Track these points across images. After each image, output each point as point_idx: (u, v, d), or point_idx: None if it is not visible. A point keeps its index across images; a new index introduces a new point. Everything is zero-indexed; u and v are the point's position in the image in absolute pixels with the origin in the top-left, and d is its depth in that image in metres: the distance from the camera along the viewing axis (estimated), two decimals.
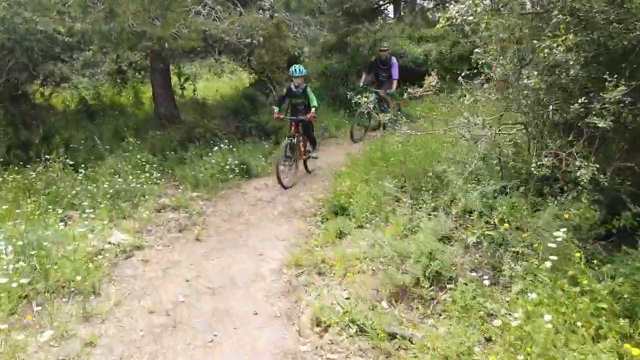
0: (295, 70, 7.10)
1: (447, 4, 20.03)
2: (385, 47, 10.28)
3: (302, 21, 10.51)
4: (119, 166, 7.05)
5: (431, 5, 20.19)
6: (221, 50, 8.86)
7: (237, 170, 7.26)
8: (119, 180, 6.39)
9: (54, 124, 8.49)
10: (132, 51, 8.82)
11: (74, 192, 5.89)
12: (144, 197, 6.23)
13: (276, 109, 7.29)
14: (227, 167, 7.19)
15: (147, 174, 7.18)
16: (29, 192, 5.84)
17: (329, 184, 6.73)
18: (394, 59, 10.09)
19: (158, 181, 7.07)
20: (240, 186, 6.93)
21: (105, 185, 6.18)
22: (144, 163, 7.57)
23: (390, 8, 20.46)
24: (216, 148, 7.98)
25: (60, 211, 5.37)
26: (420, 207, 4.70)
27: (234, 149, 7.98)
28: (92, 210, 5.51)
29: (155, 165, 7.80)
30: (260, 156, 8.23)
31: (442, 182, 5.00)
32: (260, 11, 9.19)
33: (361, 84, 9.88)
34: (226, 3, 9.88)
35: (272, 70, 9.41)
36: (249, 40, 8.60)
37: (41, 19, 6.96)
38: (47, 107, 10.58)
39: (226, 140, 8.97)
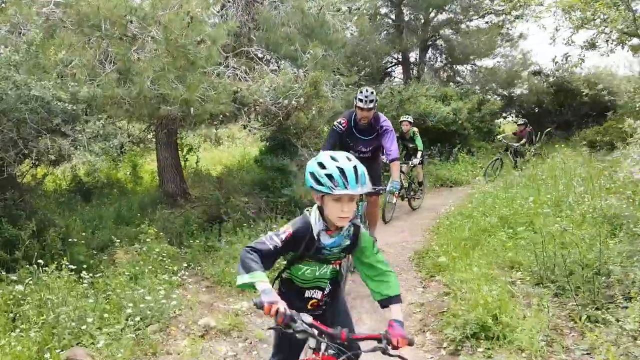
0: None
1: (455, 65, 19.50)
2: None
3: (332, 80, 9.26)
4: (136, 267, 5.32)
5: (441, 64, 19.54)
6: (253, 113, 7.42)
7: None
8: (139, 290, 4.63)
9: (45, 212, 6.78)
10: (151, 118, 7.33)
11: (79, 313, 4.10)
12: (176, 312, 4.47)
13: None
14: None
15: (171, 274, 5.46)
16: (14, 319, 4.04)
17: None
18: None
19: (189, 284, 5.33)
20: None
21: (121, 299, 4.42)
22: (163, 258, 5.86)
23: (399, 70, 19.81)
24: (261, 233, 6.29)
25: (60, 352, 3.58)
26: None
27: None
28: (108, 343, 3.72)
29: (177, 260, 6.11)
30: None
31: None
32: (294, 69, 7.87)
33: None
34: (250, 63, 8.63)
35: (309, 135, 7.97)
36: (286, 101, 7.22)
37: (37, 83, 5.47)
38: (35, 190, 8.93)
39: (261, 222, 7.34)
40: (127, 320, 4.02)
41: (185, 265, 6.12)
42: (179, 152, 11.15)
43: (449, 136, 13.17)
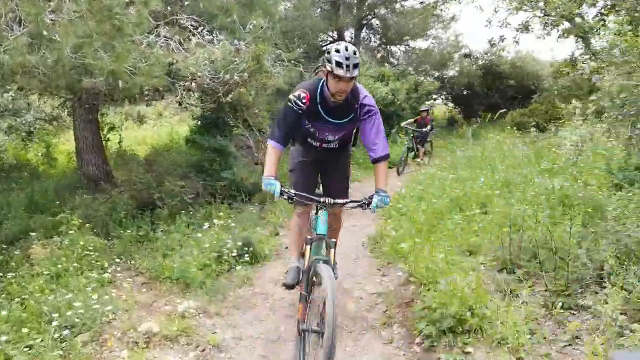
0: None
1: (389, 45, 19.51)
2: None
3: (274, 55, 8.69)
4: (57, 264, 4.59)
5: (375, 44, 19.45)
6: (189, 89, 6.71)
7: (241, 255, 5.03)
8: (64, 292, 3.96)
9: None
10: (71, 92, 6.40)
11: None
12: (110, 317, 3.86)
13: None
14: (226, 250, 4.95)
15: (100, 271, 4.80)
16: None
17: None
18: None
19: (122, 281, 4.70)
20: (251, 280, 4.71)
21: (41, 304, 3.74)
22: (89, 251, 5.16)
23: None
24: (201, 221, 5.72)
25: None
26: None
27: (230, 221, 5.75)
28: None
29: (105, 253, 5.43)
30: (255, 227, 6.10)
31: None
32: (235, 41, 7.23)
33: None
34: (184, 34, 7.85)
35: (253, 113, 7.39)
36: (227, 76, 6.59)
37: None
38: None
39: (200, 208, 6.74)
40: (50, 330, 3.37)
41: (116, 259, 5.45)
42: (100, 131, 10.13)
43: (388, 117, 13.07)
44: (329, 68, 2.94)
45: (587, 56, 12.70)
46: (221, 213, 6.07)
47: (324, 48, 18.73)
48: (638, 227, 3.47)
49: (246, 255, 4.99)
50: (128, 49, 5.82)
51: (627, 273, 3.33)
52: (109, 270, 4.96)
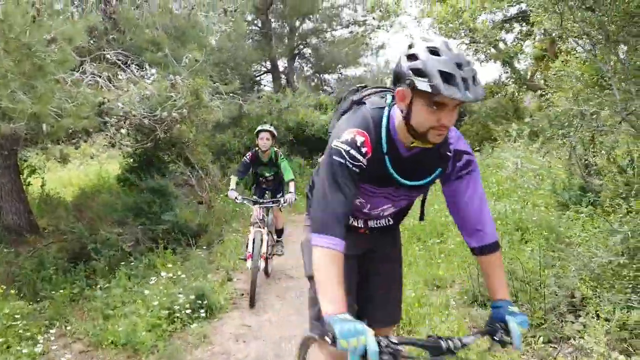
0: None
1: (322, 74, 19.75)
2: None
3: (211, 88, 8.36)
4: None
5: (309, 73, 19.58)
6: (124, 128, 6.20)
7: (194, 310, 4.58)
8: None
9: None
10: None
11: None
12: None
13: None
14: (178, 307, 4.48)
15: (30, 343, 4.19)
16: None
17: None
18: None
19: (57, 352, 4.11)
20: (209, 338, 4.27)
21: None
22: (15, 320, 4.52)
23: (268, 78, 19.37)
24: (145, 272, 5.20)
25: None
26: None
27: (179, 272, 5.26)
28: None
29: (34, 319, 4.78)
30: (206, 275, 5.65)
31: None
32: (171, 76, 6.84)
33: None
34: (113, 69, 7.35)
35: (194, 150, 6.98)
36: (165, 113, 6.18)
37: None
38: None
39: (142, 257, 6.20)
40: None
41: (48, 324, 4.81)
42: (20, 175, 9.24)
43: None
44: (422, 87, 1.49)
45: (512, 79, 13.45)
46: (169, 264, 5.56)
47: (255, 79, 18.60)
48: (604, 252, 3.48)
49: (201, 309, 4.54)
50: (51, 89, 5.31)
51: (601, 300, 3.31)
52: (41, 341, 4.34)
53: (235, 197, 5.31)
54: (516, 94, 15.58)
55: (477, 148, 13.06)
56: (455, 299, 4.14)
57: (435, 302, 4.03)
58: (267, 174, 5.90)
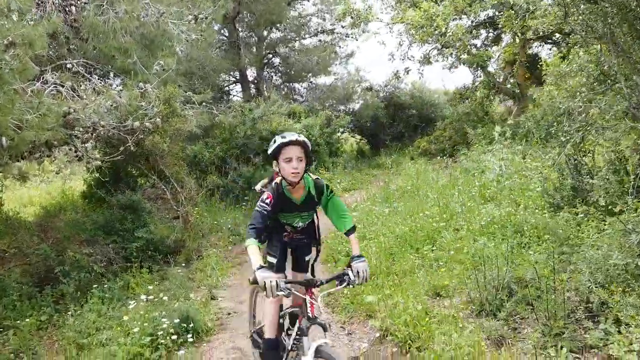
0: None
1: (292, 83, 19.55)
2: None
3: (183, 97, 7.96)
4: None
5: (279, 82, 19.30)
6: (91, 140, 5.74)
7: (179, 334, 4.18)
8: None
9: None
10: None
11: None
12: None
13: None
14: (161, 332, 4.07)
15: None
16: None
17: None
18: None
19: None
20: None
21: None
22: None
23: (237, 88, 18.99)
24: (120, 294, 4.75)
25: None
26: None
27: (160, 294, 4.84)
28: None
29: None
30: (188, 294, 5.25)
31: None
32: (141, 84, 6.42)
33: None
34: (77, 79, 6.88)
35: (168, 162, 6.56)
36: (137, 123, 5.76)
37: None
38: None
39: (114, 277, 5.74)
40: None
41: (11, 357, 4.32)
42: None
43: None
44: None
45: (483, 84, 13.55)
46: (148, 285, 5.13)
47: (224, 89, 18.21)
48: (620, 254, 3.32)
49: (188, 333, 4.15)
50: (11, 100, 4.85)
51: (621, 305, 3.13)
52: None
53: (279, 288, 2.49)
54: (485, 98, 15.73)
55: (448, 153, 13.08)
56: (462, 310, 3.91)
57: (441, 313, 3.78)
58: (299, 223, 3.19)
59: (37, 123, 5.00)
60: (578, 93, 3.93)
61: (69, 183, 15.25)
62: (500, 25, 12.41)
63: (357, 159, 17.74)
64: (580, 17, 3.36)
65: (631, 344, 2.78)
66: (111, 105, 6.10)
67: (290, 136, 2.78)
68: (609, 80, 3.61)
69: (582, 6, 3.29)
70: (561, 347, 3.03)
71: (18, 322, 4.82)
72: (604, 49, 3.56)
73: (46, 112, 5.22)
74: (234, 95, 18.61)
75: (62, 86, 6.38)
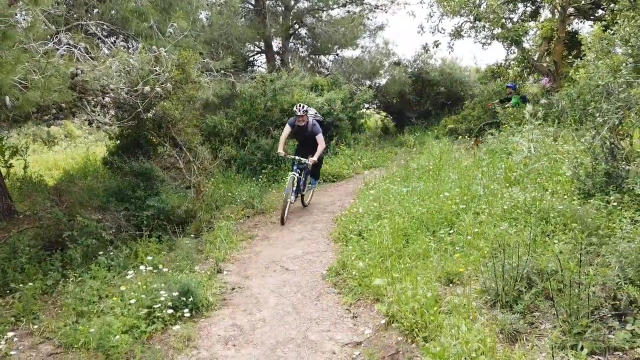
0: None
1: (318, 55, 19.06)
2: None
3: (201, 64, 7.72)
4: None
5: (304, 54, 18.85)
6: (102, 104, 5.59)
7: (177, 308, 4.04)
8: None
9: None
10: None
11: None
12: None
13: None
14: (159, 305, 3.94)
15: None
16: None
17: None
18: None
19: (22, 352, 3.58)
20: (194, 342, 3.74)
21: None
22: None
23: (262, 59, 18.65)
24: (126, 262, 4.65)
25: None
26: None
27: (160, 265, 4.72)
28: None
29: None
30: (193, 266, 5.11)
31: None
32: (154, 48, 6.20)
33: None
34: (92, 41, 6.71)
35: (181, 130, 6.37)
36: (147, 88, 5.57)
37: None
38: None
39: (123, 245, 5.65)
40: None
41: (14, 321, 4.29)
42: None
43: (325, 128, 12.44)
44: None
45: (517, 61, 12.86)
46: (154, 254, 5.01)
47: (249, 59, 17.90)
48: None
49: (185, 308, 4.01)
50: (16, 58, 4.69)
51: None
52: (3, 341, 3.81)
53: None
54: (518, 77, 15.01)
55: (475, 133, 12.55)
56: (475, 299, 3.63)
57: (452, 302, 3.52)
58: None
59: (43, 84, 4.85)
60: (623, 66, 3.51)
61: (93, 149, 15.43)
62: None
63: (381, 136, 17.33)
64: None
65: None
66: (123, 69, 5.92)
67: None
68: None
69: None
70: (581, 348, 2.74)
71: (22, 285, 4.77)
72: None
73: (53, 73, 5.06)
74: (258, 66, 18.28)
75: (75, 47, 6.23)
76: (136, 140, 8.41)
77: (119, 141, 9.25)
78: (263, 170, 10.30)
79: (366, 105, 18.24)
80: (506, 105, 11.40)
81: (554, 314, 3.12)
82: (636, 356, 2.65)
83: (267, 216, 7.78)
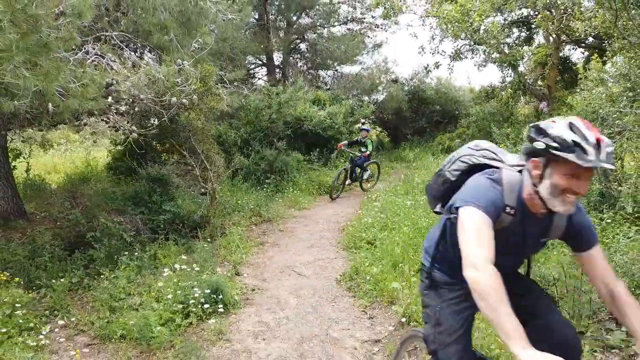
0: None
1: (317, 70, 19.56)
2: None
3: (219, 75, 8.08)
4: None
5: (304, 68, 19.33)
6: (130, 112, 5.91)
7: (210, 305, 4.35)
8: None
9: None
10: None
11: None
12: None
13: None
14: (193, 301, 4.24)
15: (33, 334, 3.92)
16: None
17: None
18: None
19: (60, 344, 3.85)
20: (226, 335, 4.05)
21: None
22: (15, 309, 4.25)
23: (262, 71, 19.08)
24: (149, 263, 4.94)
25: None
26: None
27: (194, 265, 5.03)
28: None
29: (34, 309, 4.52)
30: (214, 268, 5.42)
31: None
32: (179, 61, 6.54)
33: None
34: (116, 51, 7.04)
35: (201, 139, 6.70)
36: (174, 99, 5.91)
37: None
38: None
39: (139, 246, 5.93)
40: None
41: (47, 314, 4.55)
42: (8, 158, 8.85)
43: (326, 141, 12.86)
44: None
45: (513, 84, 13.43)
46: (182, 256, 5.32)
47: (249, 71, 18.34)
48: None
49: (217, 304, 4.32)
50: (57, 67, 5.01)
51: None
52: (43, 332, 4.08)
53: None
54: (510, 98, 15.60)
55: None
56: None
57: None
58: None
59: (81, 92, 5.16)
60: (619, 99, 3.95)
61: (93, 154, 15.62)
62: (534, 26, 12.29)
63: (378, 150, 17.78)
64: (630, 23, 3.39)
65: None
66: (149, 80, 6.25)
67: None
68: None
69: (632, 11, 3.31)
70: (584, 345, 3.12)
71: (53, 282, 5.03)
72: None
73: (89, 82, 5.38)
74: (259, 79, 18.71)
75: (102, 57, 6.56)
76: (141, 148, 8.69)
77: (128, 146, 9.50)
78: (267, 181, 10.63)
79: (362, 120, 18.73)
80: (358, 152, 10.63)
81: None
82: (630, 353, 3.02)
83: (275, 224, 8.09)
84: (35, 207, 8.75)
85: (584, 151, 1.62)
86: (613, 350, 3.14)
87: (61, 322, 4.39)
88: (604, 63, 5.08)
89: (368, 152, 10.54)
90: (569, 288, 3.56)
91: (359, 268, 5.24)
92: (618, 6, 3.33)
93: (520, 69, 13.52)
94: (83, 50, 6.36)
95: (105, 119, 6.79)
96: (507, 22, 13.79)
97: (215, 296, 4.38)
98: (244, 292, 4.99)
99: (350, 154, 10.79)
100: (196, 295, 4.24)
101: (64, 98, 5.11)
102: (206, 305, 4.21)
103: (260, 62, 18.62)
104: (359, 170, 10.60)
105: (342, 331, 4.12)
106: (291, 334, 4.04)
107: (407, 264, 4.90)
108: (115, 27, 7.77)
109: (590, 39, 12.59)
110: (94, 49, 6.55)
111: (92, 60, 6.29)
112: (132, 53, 7.66)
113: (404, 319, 3.98)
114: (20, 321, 4.11)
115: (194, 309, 4.15)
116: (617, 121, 5.01)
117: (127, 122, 6.12)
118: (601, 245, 4.36)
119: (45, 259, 5.67)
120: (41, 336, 4.02)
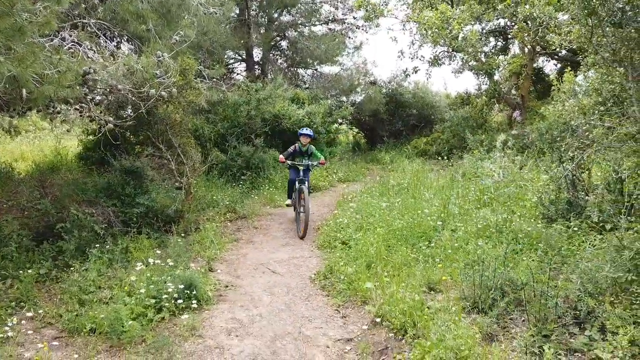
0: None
1: (297, 68, 19.54)
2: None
3: (198, 70, 7.99)
4: None
5: (284, 66, 19.27)
6: (104, 101, 5.79)
7: (184, 301, 4.32)
8: None
9: None
10: None
11: None
12: None
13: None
14: (166, 296, 4.20)
15: None
16: None
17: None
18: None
19: (26, 336, 3.77)
20: (199, 331, 4.03)
21: None
22: None
23: (241, 67, 18.94)
24: (120, 256, 4.86)
25: None
26: None
27: (168, 260, 4.97)
28: None
29: None
30: (187, 263, 5.37)
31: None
32: (159, 52, 6.45)
33: None
34: (93, 39, 6.89)
35: (178, 133, 6.62)
36: (153, 91, 5.82)
37: None
38: None
39: (110, 239, 5.83)
40: None
41: (12, 305, 4.44)
42: None
43: None
44: None
45: (488, 92, 13.72)
46: (157, 250, 5.25)
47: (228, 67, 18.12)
48: (612, 268, 3.52)
49: (190, 300, 4.29)
50: (33, 52, 4.89)
51: (608, 314, 3.34)
52: (9, 324, 3.98)
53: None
54: (485, 106, 15.93)
55: (445, 156, 13.26)
56: (454, 305, 4.09)
57: (435, 306, 3.97)
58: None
59: (57, 79, 5.04)
60: (591, 111, 4.11)
61: (63, 143, 15.19)
62: (510, 36, 12.58)
63: (354, 151, 17.89)
64: (604, 39, 3.53)
65: (613, 350, 2.98)
66: (127, 70, 6.14)
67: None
68: (625, 102, 3.78)
69: (607, 29, 3.45)
70: (549, 348, 3.23)
71: (20, 272, 4.90)
72: (622, 73, 3.73)
73: (65, 70, 5.26)
74: (237, 74, 18.57)
75: (80, 45, 6.41)
76: (114, 139, 8.49)
77: (96, 137, 9.29)
78: (242, 177, 10.57)
79: (339, 121, 18.81)
80: (301, 163, 7.96)
81: (524, 319, 3.61)
82: (592, 357, 3.14)
83: (249, 221, 8.07)
84: (0, 195, 8.48)
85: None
86: (575, 354, 3.26)
87: (29, 314, 4.29)
88: (576, 76, 5.27)
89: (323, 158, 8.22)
90: (536, 292, 3.68)
91: (334, 267, 5.28)
92: (594, 23, 3.48)
93: (496, 77, 13.85)
94: (59, 36, 6.22)
95: (78, 107, 6.64)
96: (485, 31, 14.10)
97: (188, 292, 4.35)
98: (218, 289, 4.97)
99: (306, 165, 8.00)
100: (169, 290, 4.20)
101: (38, 85, 4.99)
102: (179, 301, 4.19)
103: (239, 58, 18.50)
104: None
105: (315, 329, 4.15)
106: (264, 331, 4.05)
107: (380, 264, 4.97)
108: (92, 15, 7.61)
109: (564, 51, 12.98)
110: (70, 35, 6.41)
111: (69, 48, 6.16)
112: (110, 42, 7.52)
113: (377, 319, 4.03)
114: None
115: (166, 304, 4.11)
116: (587, 133, 5.20)
117: (101, 112, 6.00)
118: (568, 252, 4.53)
119: (12, 249, 5.51)
120: (7, 327, 3.92)
